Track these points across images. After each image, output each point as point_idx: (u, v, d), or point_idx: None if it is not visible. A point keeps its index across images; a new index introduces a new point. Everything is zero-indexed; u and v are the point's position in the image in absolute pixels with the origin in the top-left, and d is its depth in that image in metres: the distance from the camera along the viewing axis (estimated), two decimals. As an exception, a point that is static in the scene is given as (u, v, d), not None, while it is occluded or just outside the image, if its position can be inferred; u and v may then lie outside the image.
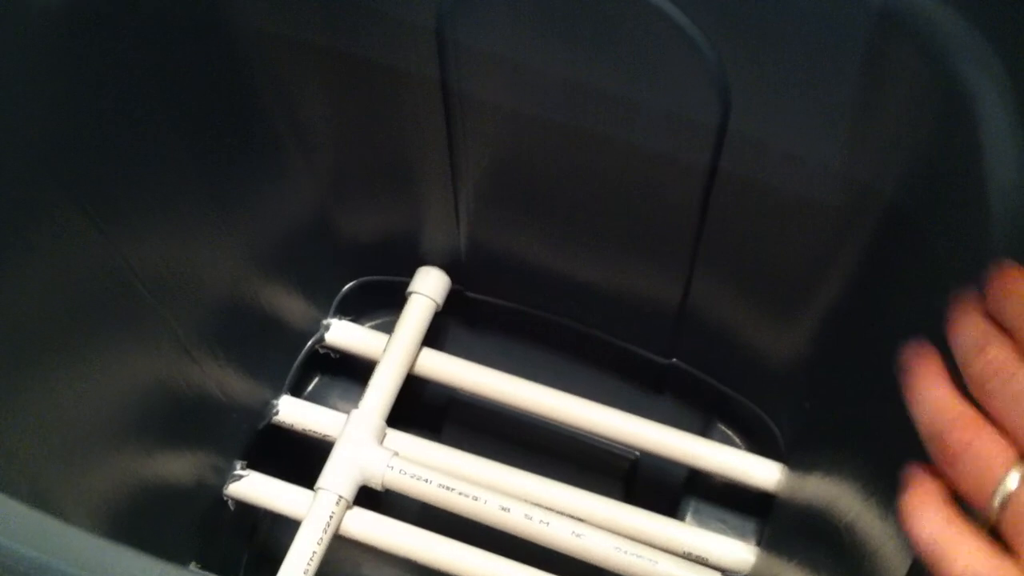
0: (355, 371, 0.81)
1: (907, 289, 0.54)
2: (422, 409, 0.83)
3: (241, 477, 0.72)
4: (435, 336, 0.79)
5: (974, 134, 0.46)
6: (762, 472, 0.73)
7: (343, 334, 0.79)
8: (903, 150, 0.52)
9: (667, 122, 0.60)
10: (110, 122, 0.56)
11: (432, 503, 0.71)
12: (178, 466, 0.67)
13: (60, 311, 0.55)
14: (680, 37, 0.54)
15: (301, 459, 0.74)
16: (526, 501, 0.70)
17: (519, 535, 0.70)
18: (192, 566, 0.70)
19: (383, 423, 0.73)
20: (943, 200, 0.50)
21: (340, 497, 0.69)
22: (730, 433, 0.81)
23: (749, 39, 0.53)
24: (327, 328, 0.80)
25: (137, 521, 0.63)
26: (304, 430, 0.75)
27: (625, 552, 0.69)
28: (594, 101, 0.60)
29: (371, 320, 0.85)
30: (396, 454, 0.71)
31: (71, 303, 0.55)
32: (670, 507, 0.78)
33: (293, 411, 0.76)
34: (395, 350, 0.75)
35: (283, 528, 0.75)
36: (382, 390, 0.74)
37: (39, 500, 0.53)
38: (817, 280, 0.65)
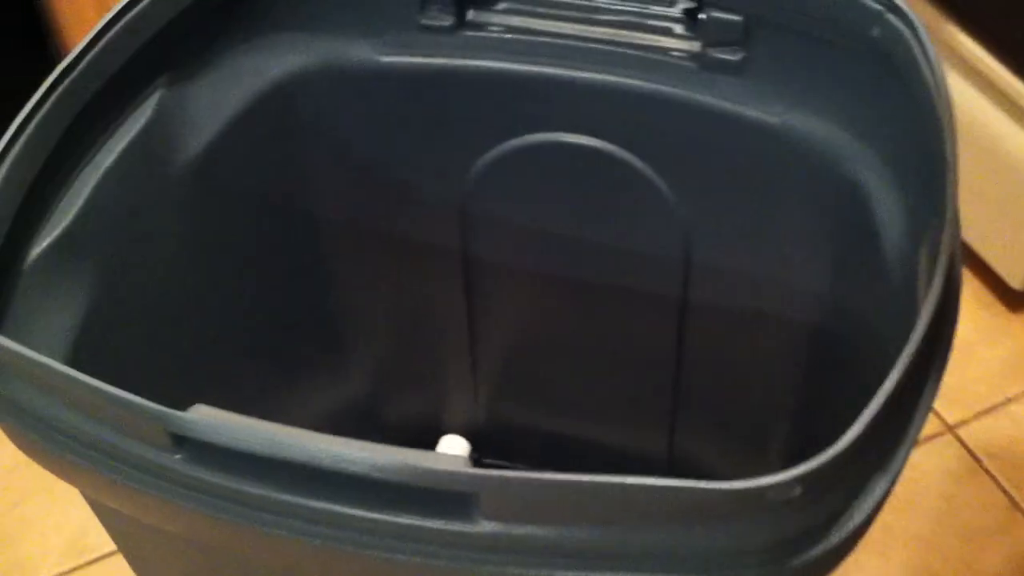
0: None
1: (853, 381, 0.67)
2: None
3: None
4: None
5: (872, 218, 0.62)
6: None
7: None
8: (825, 251, 0.68)
9: (642, 261, 0.76)
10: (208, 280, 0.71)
11: None
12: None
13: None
14: (649, 187, 0.72)
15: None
16: None
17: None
18: None
19: None
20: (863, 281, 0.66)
21: None
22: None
23: (701, 184, 0.71)
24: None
25: None
26: None
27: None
28: (586, 251, 0.77)
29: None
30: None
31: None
32: None
33: None
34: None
35: None
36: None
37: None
38: (786, 397, 0.79)
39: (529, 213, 0.77)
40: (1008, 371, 1.26)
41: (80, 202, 0.59)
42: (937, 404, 1.21)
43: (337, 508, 0.42)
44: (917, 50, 0.55)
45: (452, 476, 0.39)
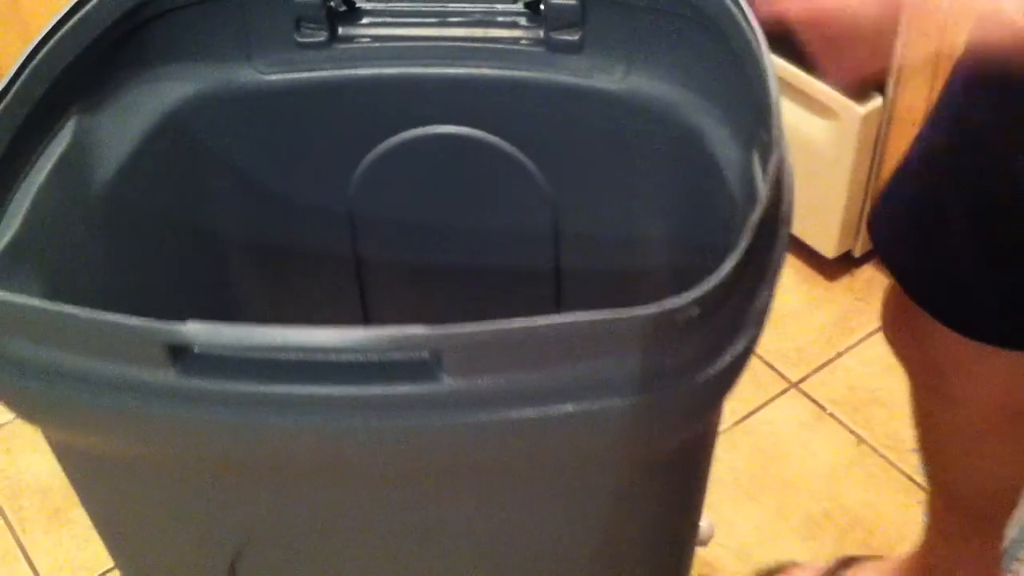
0: None
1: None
2: None
3: None
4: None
5: (713, 158, 0.74)
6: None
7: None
8: (677, 192, 0.79)
9: (519, 238, 0.86)
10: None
11: None
12: None
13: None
14: (517, 166, 0.82)
15: None
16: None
17: None
18: None
19: None
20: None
21: None
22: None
23: (561, 156, 0.81)
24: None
25: None
26: None
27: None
28: (466, 237, 0.86)
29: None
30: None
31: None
32: None
33: None
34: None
35: None
36: None
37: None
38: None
39: (412, 208, 0.86)
40: (835, 330, 1.41)
41: (22, 213, 0.65)
42: (779, 365, 1.36)
43: (326, 390, 0.50)
44: (733, 7, 0.67)
45: (422, 338, 0.48)
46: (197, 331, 0.49)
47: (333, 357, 0.50)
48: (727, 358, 0.52)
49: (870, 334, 1.40)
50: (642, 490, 0.58)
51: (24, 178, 0.66)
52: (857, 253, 1.45)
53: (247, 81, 0.79)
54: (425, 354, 0.49)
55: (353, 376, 0.50)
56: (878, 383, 1.34)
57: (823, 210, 1.40)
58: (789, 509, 1.23)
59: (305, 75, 0.79)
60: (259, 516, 0.60)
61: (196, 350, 0.50)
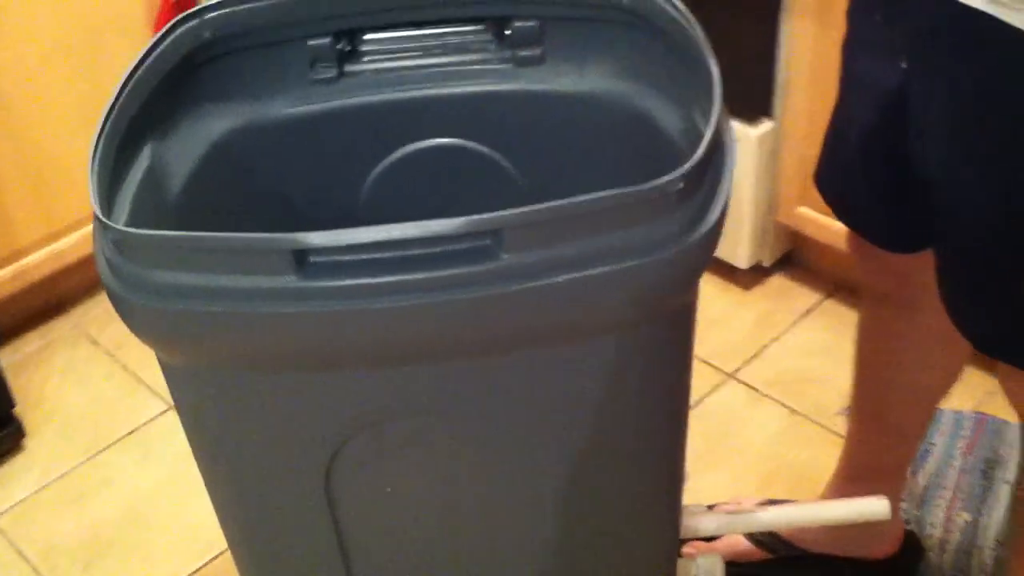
0: None
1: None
2: None
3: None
4: None
5: (663, 135, 0.93)
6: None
7: None
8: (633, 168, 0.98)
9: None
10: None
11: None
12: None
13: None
14: (497, 168, 1.00)
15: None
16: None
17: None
18: None
19: None
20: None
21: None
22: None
23: (534, 155, 1.00)
24: None
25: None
26: None
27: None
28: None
29: None
30: None
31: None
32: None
33: None
34: None
35: None
36: None
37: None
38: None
39: (413, 210, 1.03)
40: (758, 328, 1.62)
41: (124, 215, 0.81)
42: (716, 361, 1.56)
43: (415, 276, 0.67)
44: (671, 9, 0.87)
45: (488, 220, 0.66)
46: (324, 235, 0.66)
47: (418, 250, 0.67)
48: (704, 228, 0.71)
49: (788, 327, 1.61)
50: (650, 348, 0.76)
51: (122, 189, 0.82)
52: (767, 263, 1.67)
53: (275, 115, 0.97)
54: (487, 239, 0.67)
55: (434, 263, 0.68)
56: (801, 365, 1.54)
57: (733, 226, 1.62)
58: (744, 473, 1.41)
59: (320, 106, 0.97)
60: (357, 409, 0.75)
61: (311, 257, 0.67)
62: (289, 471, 0.81)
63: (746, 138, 1.52)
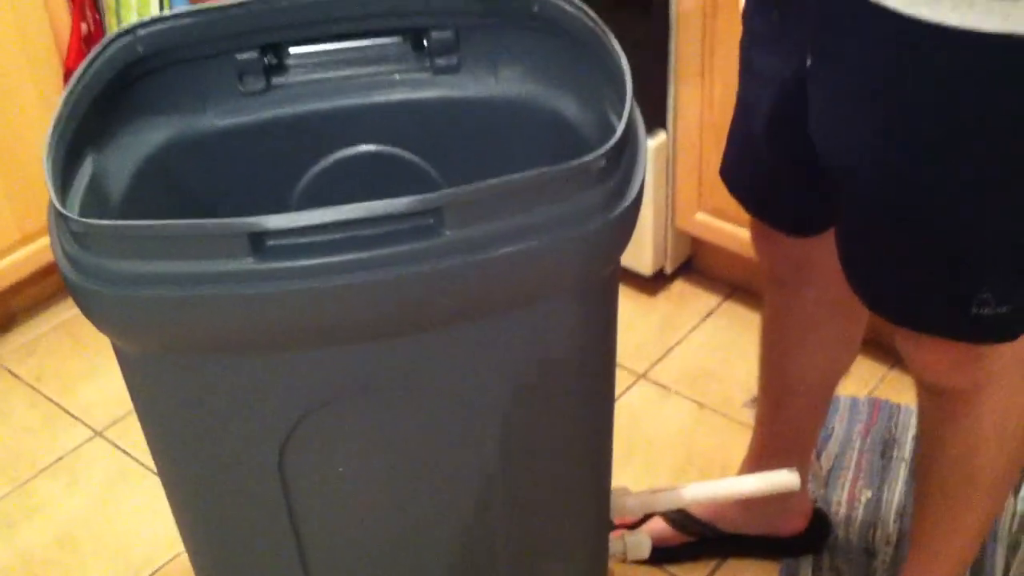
0: None
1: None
2: None
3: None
4: None
5: (576, 132, 1.00)
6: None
7: None
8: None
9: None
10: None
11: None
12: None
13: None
14: (419, 171, 1.06)
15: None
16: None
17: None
18: None
19: None
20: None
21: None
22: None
23: (457, 158, 1.06)
24: None
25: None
26: None
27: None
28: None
29: None
30: None
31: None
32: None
33: None
34: None
35: None
36: None
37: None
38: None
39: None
40: (663, 331, 1.70)
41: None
42: (626, 363, 1.63)
43: (369, 253, 0.72)
44: (571, 8, 0.94)
45: (431, 199, 0.71)
46: (282, 218, 0.71)
47: (367, 230, 0.72)
48: (625, 203, 0.78)
49: (691, 329, 1.69)
50: (581, 314, 0.82)
51: (68, 197, 0.86)
52: (668, 270, 1.75)
53: (204, 127, 1.01)
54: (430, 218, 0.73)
55: (382, 242, 0.73)
56: (704, 363, 1.63)
57: (636, 235, 1.68)
58: (657, 463, 1.48)
59: (249, 118, 1.02)
60: (311, 389, 0.80)
61: (268, 240, 0.72)
62: (244, 454, 0.85)
63: (643, 150, 1.60)
